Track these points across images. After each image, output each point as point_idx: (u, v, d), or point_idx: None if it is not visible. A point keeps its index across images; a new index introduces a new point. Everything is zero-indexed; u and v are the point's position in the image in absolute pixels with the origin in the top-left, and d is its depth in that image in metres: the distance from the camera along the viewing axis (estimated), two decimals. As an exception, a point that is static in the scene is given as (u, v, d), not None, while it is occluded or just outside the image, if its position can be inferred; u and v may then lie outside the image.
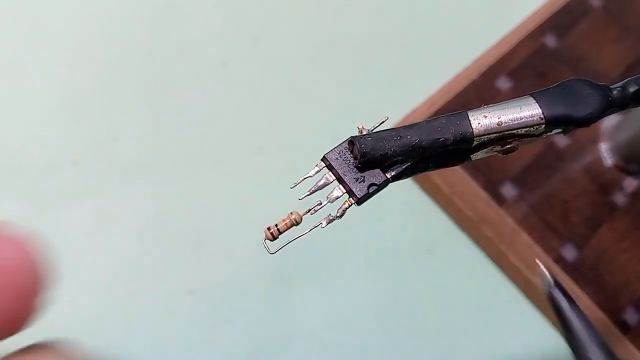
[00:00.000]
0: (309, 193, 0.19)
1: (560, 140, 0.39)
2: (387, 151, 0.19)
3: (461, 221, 0.38)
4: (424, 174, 0.20)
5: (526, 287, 0.37)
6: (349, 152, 0.19)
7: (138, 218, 0.38)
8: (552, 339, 0.36)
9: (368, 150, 0.18)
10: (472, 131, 0.19)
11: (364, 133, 0.19)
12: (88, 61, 0.41)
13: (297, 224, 0.19)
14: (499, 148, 0.20)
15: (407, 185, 0.39)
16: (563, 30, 0.42)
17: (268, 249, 0.19)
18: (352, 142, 0.19)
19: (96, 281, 0.36)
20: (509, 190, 0.38)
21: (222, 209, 0.38)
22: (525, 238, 0.37)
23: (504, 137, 0.19)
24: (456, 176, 0.38)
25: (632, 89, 0.20)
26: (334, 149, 0.19)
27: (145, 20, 0.43)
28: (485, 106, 0.19)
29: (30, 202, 0.38)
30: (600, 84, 0.20)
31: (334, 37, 0.44)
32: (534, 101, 0.19)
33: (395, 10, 0.45)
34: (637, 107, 0.21)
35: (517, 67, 0.41)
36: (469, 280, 0.38)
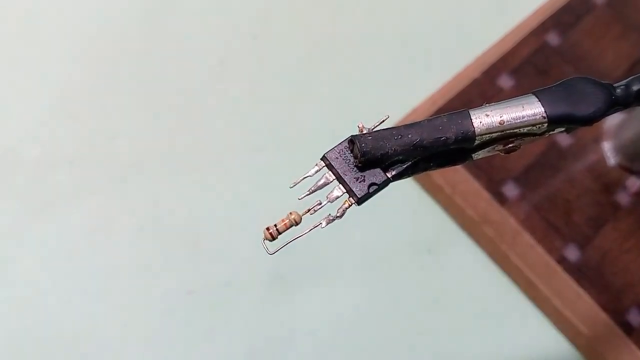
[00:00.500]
0: (308, 192, 0.19)
1: (563, 139, 0.39)
2: (387, 150, 0.18)
3: (462, 221, 0.38)
4: (424, 173, 0.20)
5: (527, 288, 0.37)
6: (349, 151, 0.19)
7: (135, 218, 0.37)
8: (553, 340, 0.36)
9: (368, 149, 0.18)
10: (474, 130, 0.19)
11: (364, 132, 0.19)
12: (84, 59, 0.41)
13: (296, 223, 0.19)
14: (500, 147, 0.20)
15: (408, 185, 0.39)
16: (565, 27, 0.42)
17: (267, 250, 0.19)
18: (352, 140, 0.19)
19: (94, 281, 0.36)
20: (510, 190, 0.38)
21: (220, 209, 0.38)
22: (527, 238, 0.36)
23: (505, 136, 0.19)
24: (457, 175, 0.38)
25: (635, 87, 0.20)
26: (333, 148, 0.19)
27: (142, 18, 0.43)
28: (487, 104, 0.19)
29: (26, 202, 0.37)
30: (604, 82, 0.20)
31: (334, 34, 0.43)
32: (536, 99, 0.19)
33: (395, 7, 0.45)
34: (641, 105, 0.20)
35: (519, 65, 0.41)
36: (470, 281, 0.37)
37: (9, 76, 0.41)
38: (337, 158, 0.19)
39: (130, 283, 0.36)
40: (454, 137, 0.19)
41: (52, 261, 0.36)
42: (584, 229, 0.37)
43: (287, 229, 0.19)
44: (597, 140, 0.39)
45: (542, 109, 0.19)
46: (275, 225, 0.19)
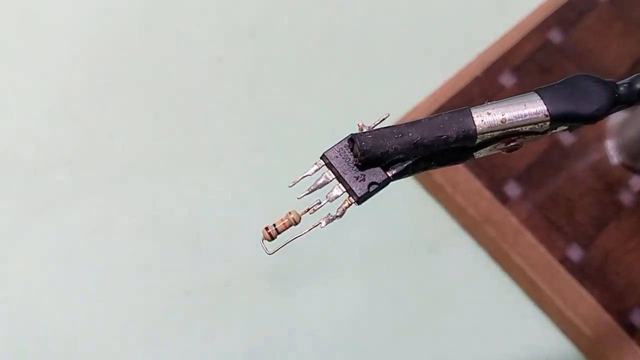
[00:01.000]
0: (307, 192, 0.19)
1: (565, 137, 0.39)
2: (387, 149, 0.18)
3: (463, 220, 0.38)
4: (425, 172, 0.20)
5: (529, 288, 0.36)
6: (349, 150, 0.19)
7: (135, 218, 0.37)
8: (555, 340, 0.36)
9: (368, 148, 0.18)
10: (475, 128, 0.18)
11: (364, 130, 0.19)
12: (84, 59, 0.41)
13: (296, 223, 0.19)
14: (502, 145, 0.19)
15: (408, 184, 0.39)
16: (568, 24, 0.42)
17: (266, 249, 0.18)
18: (352, 139, 0.19)
19: (93, 281, 0.36)
20: (512, 189, 0.37)
21: (220, 209, 0.38)
22: (529, 237, 0.36)
23: (507, 134, 0.19)
24: (458, 174, 0.37)
25: (638, 85, 0.20)
26: (333, 147, 0.19)
27: (141, 17, 0.43)
28: (489, 102, 0.19)
29: (25, 202, 0.37)
30: (606, 79, 0.20)
31: (334, 32, 0.43)
32: (539, 97, 0.19)
33: (395, 4, 0.45)
34: (644, 103, 0.20)
35: (521, 63, 0.40)
36: (471, 281, 0.37)
37: (8, 76, 0.41)
38: (336, 157, 0.19)
39: (130, 283, 0.36)
40: (455, 136, 0.18)
41: (51, 261, 0.36)
42: (587, 228, 0.37)
43: (287, 228, 0.19)
44: (600, 138, 0.39)
45: (545, 107, 0.19)
46: (275, 225, 0.18)
